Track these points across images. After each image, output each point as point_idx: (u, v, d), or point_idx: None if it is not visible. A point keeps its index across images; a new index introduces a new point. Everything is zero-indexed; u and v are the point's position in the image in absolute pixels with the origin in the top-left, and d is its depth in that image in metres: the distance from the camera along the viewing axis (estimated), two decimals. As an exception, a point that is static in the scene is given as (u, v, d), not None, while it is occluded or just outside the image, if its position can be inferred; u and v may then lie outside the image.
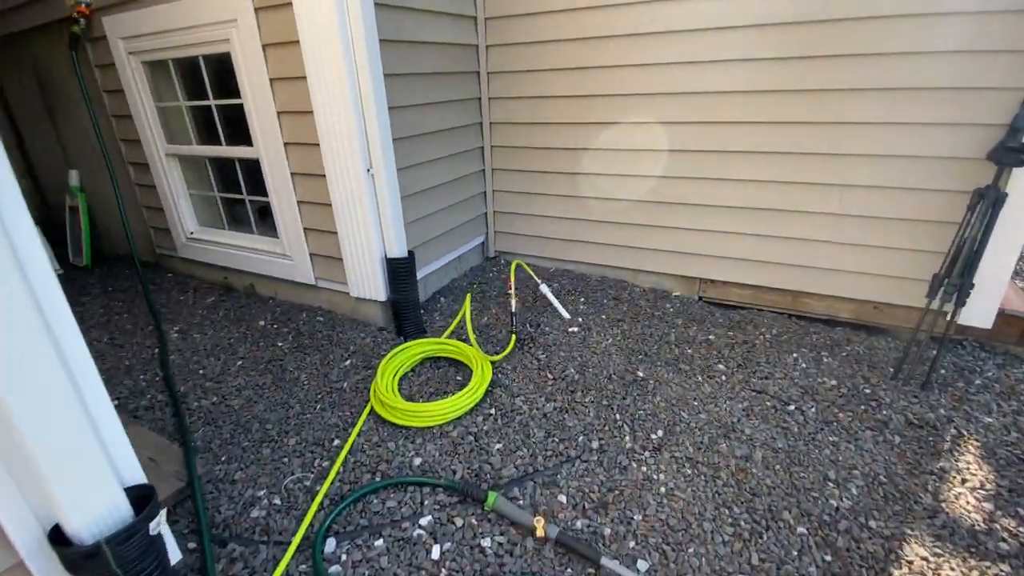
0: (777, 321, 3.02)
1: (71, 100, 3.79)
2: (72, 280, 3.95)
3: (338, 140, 2.51)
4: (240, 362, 2.72)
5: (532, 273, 3.10)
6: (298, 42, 2.41)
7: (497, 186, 3.73)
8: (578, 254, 3.65)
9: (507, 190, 3.69)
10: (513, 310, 2.82)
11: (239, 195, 3.28)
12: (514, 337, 2.75)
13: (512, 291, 2.86)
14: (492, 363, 2.55)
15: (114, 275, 4.01)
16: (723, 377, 2.48)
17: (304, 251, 3.03)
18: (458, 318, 2.97)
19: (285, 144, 2.77)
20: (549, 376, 2.49)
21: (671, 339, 2.82)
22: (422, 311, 3.16)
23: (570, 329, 2.93)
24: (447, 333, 2.86)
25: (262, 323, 3.11)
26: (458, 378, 2.51)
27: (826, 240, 2.82)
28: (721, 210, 3.01)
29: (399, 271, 2.78)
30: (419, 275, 3.22)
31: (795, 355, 2.66)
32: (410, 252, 2.87)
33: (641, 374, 2.49)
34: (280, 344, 2.87)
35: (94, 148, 3.88)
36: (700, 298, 3.34)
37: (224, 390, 2.49)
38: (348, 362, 2.67)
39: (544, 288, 3.09)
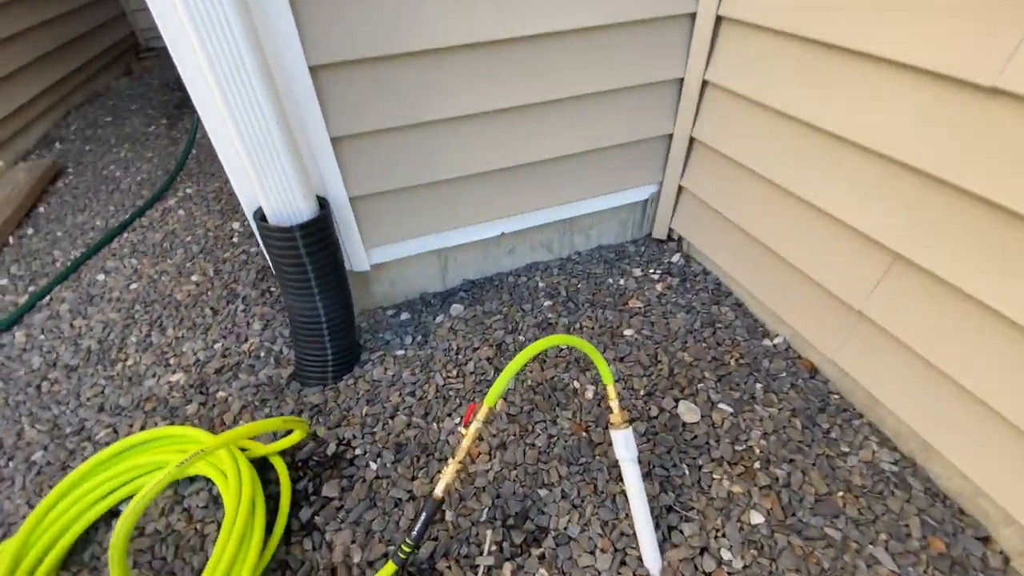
0: None
1: None
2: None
3: None
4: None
5: (612, 388, 0.99)
6: None
7: (723, 77, 1.33)
8: (851, 357, 1.17)
9: (743, 118, 1.29)
10: (438, 492, 0.94)
11: None
12: (390, 567, 0.94)
13: (467, 433, 0.93)
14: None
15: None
16: None
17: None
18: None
19: None
20: None
21: None
22: (376, 325, 1.52)
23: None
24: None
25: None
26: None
27: None
28: None
29: (271, 239, 1.18)
30: (437, 243, 1.52)
31: None
32: (323, 203, 1.19)
33: None
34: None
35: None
36: None
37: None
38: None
39: (625, 448, 0.98)
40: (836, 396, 1.28)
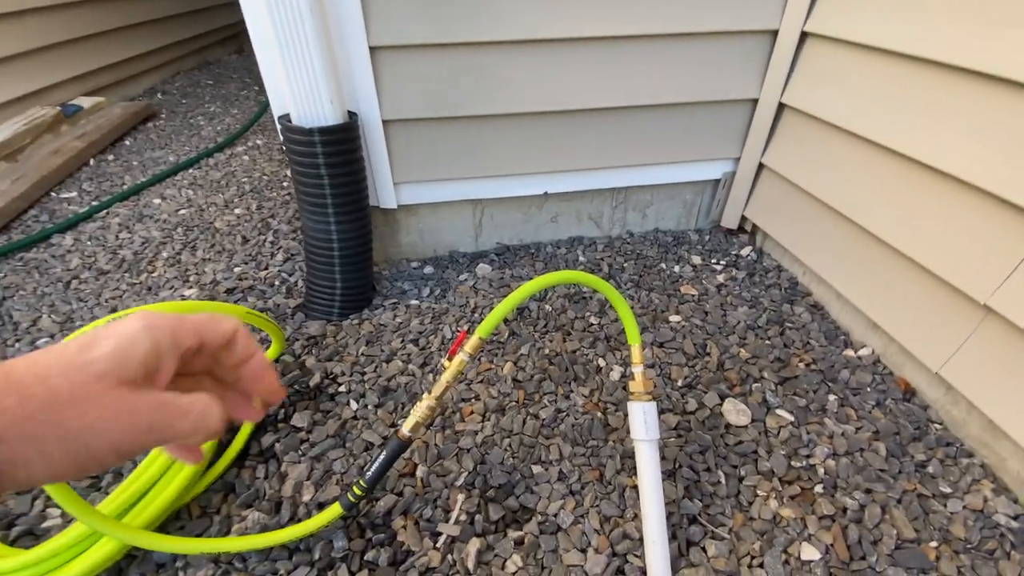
0: None
1: None
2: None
3: None
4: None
5: (638, 350, 0.80)
6: None
7: (829, 25, 1.12)
8: (965, 370, 0.88)
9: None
10: (405, 430, 0.78)
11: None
12: (335, 509, 0.78)
13: (449, 366, 0.77)
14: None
15: None
16: None
17: None
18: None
19: None
20: None
21: None
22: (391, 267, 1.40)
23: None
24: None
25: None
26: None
27: None
28: None
29: (292, 142, 1.10)
30: (473, 191, 1.40)
31: None
32: (351, 116, 1.10)
33: None
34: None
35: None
36: None
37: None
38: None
39: (643, 426, 0.79)
40: (938, 426, 0.98)
